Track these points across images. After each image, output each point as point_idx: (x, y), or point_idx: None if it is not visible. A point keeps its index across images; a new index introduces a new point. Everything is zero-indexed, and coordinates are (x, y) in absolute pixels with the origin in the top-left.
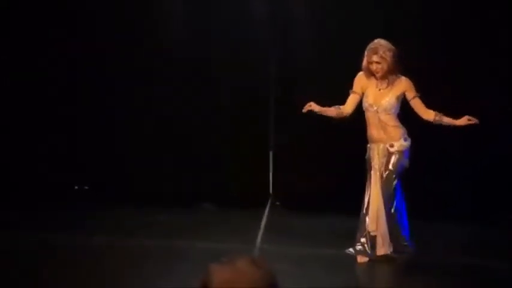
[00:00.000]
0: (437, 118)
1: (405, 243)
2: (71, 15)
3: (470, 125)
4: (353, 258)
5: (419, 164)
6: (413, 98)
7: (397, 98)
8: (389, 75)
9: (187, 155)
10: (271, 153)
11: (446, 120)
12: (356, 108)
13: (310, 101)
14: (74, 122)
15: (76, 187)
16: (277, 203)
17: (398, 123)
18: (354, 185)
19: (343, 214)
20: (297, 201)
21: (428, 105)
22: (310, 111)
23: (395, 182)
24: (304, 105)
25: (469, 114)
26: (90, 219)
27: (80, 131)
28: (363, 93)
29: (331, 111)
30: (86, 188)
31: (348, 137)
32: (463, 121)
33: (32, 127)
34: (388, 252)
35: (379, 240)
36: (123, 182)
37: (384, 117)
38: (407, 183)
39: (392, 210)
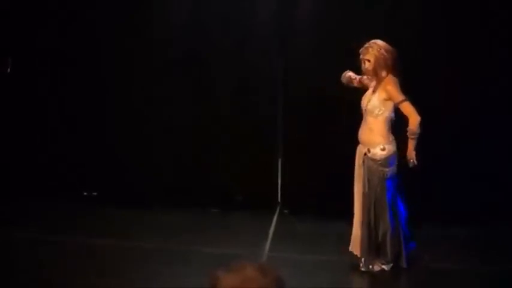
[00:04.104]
0: (409, 134)
1: (398, 254)
2: (71, 14)
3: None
4: (358, 265)
5: (419, 164)
6: (399, 103)
7: (382, 101)
8: (379, 74)
9: (188, 155)
10: (280, 161)
11: (410, 143)
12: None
13: (312, 99)
14: (74, 122)
15: (85, 193)
16: (286, 210)
17: (383, 131)
18: None
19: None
20: (305, 208)
21: (427, 101)
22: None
23: (380, 191)
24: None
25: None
26: (90, 219)
27: (80, 130)
28: (364, 90)
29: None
30: (95, 194)
31: (353, 137)
32: (409, 155)
33: (32, 126)
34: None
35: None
36: (125, 183)
37: (369, 119)
38: (405, 182)
39: (375, 219)
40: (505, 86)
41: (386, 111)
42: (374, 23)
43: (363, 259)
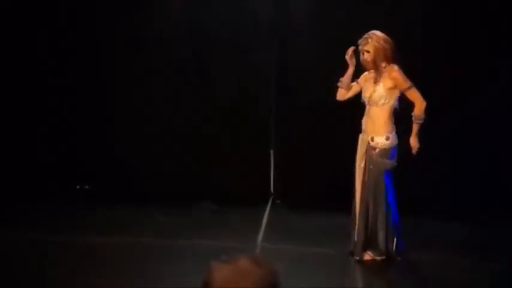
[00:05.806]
0: (414, 119)
1: (390, 247)
2: (71, 14)
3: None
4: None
5: (418, 162)
6: (406, 90)
7: (388, 90)
8: (379, 65)
9: (188, 154)
10: (272, 152)
11: (415, 128)
12: (355, 104)
13: (312, 99)
14: (73, 121)
15: (77, 187)
16: (278, 201)
17: (388, 120)
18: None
19: (344, 212)
20: (298, 200)
21: (427, 101)
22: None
23: (378, 182)
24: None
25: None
26: (90, 218)
27: (80, 130)
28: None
29: (347, 79)
30: (87, 187)
31: (350, 135)
32: (412, 143)
33: (32, 127)
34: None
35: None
36: (123, 181)
37: (374, 109)
38: (405, 181)
39: (371, 211)
40: (505, 86)
41: (391, 100)
42: (374, 23)
43: (357, 249)
